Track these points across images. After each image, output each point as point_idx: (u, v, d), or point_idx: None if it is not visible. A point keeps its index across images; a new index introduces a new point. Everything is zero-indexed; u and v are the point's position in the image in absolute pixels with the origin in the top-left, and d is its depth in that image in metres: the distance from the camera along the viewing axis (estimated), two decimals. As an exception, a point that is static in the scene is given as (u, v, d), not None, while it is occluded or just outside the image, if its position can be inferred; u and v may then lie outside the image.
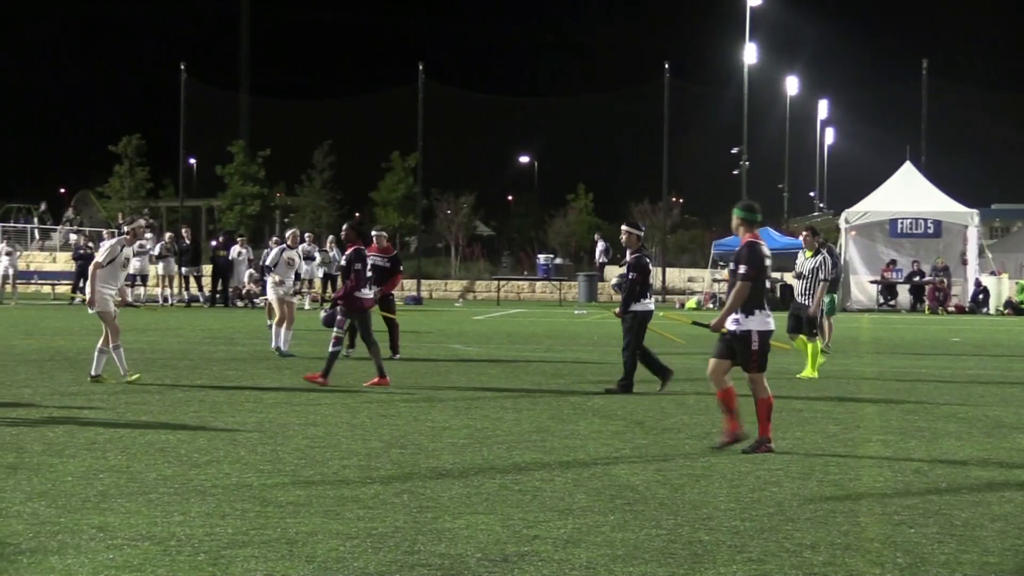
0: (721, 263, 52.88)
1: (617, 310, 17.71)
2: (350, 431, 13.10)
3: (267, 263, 23.61)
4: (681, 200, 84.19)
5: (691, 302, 51.40)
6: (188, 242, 45.74)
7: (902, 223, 49.15)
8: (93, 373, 17.43)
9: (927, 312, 47.21)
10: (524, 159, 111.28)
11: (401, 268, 24.25)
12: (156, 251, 45.07)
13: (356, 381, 18.24)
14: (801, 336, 20.22)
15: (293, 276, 23.39)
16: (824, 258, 20.29)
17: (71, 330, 29.19)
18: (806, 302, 20.27)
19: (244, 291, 44.05)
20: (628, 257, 17.62)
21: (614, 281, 18.18)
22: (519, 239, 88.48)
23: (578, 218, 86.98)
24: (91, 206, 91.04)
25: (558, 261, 60.56)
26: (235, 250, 44.79)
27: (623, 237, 17.88)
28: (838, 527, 8.77)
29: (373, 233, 24.17)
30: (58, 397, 15.74)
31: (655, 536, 8.41)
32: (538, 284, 57.86)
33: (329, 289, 45.17)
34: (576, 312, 44.06)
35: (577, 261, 73.72)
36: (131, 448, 11.80)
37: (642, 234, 18.10)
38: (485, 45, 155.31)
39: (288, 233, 24.79)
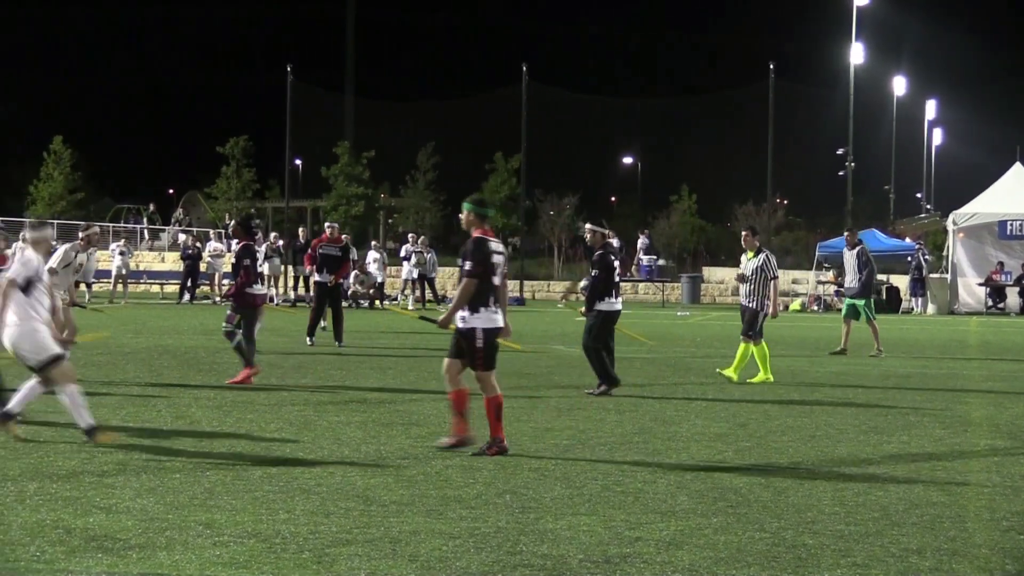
0: (826, 265, 52.45)
1: (583, 309, 17.55)
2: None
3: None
4: (786, 201, 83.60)
5: (795, 304, 51.00)
6: (302, 242, 46.08)
7: (1011, 224, 48.32)
8: None
9: (1037, 315, 46.45)
10: (628, 160, 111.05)
11: (352, 257, 26.09)
12: (262, 251, 45.51)
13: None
14: (763, 341, 19.28)
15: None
16: (767, 257, 19.37)
17: (179, 329, 29.58)
18: (750, 303, 19.28)
19: (349, 292, 44.39)
20: (594, 256, 17.41)
21: (582, 283, 17.86)
22: (622, 240, 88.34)
23: (681, 219, 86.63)
24: (199, 206, 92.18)
25: (661, 262, 60.37)
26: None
27: (587, 236, 17.67)
28: (945, 532, 8.66)
29: (326, 225, 26.76)
30: (166, 395, 15.96)
31: (758, 539, 8.36)
32: (641, 285, 57.71)
33: (427, 291, 45.50)
34: (679, 314, 43.89)
35: (680, 263, 73.44)
36: (236, 446, 11.94)
37: (607, 232, 17.90)
38: (590, 46, 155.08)
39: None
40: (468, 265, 11.79)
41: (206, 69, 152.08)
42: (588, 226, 17.83)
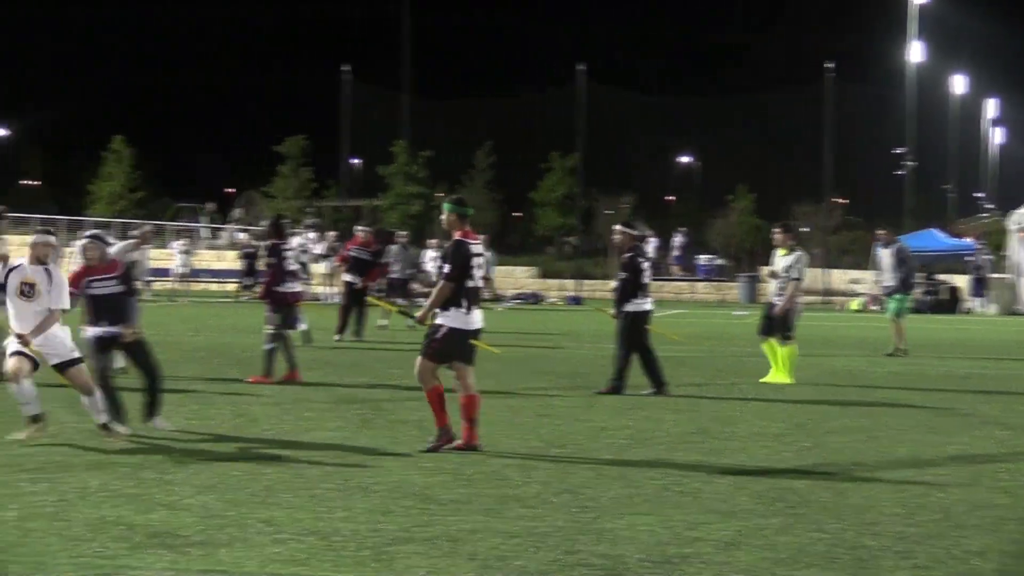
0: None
1: (612, 311, 17.47)
2: (510, 430, 13.16)
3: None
4: (844, 201, 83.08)
5: (854, 304, 50.75)
6: None
7: (1073, 224, 47.82)
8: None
9: (1099, 316, 45.96)
10: (685, 159, 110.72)
11: (382, 260, 26.77)
12: (320, 250, 45.67)
13: (514, 381, 18.32)
14: (771, 340, 18.96)
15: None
16: (799, 256, 18.95)
17: (238, 327, 29.74)
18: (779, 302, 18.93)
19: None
20: (622, 257, 17.35)
21: (614, 284, 17.71)
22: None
23: (739, 219, 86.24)
24: (257, 205, 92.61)
25: (719, 262, 60.20)
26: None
27: (617, 237, 17.61)
28: (1008, 534, 8.59)
29: (358, 229, 27.28)
30: (226, 394, 16.05)
31: (818, 540, 8.31)
32: (698, 285, 57.60)
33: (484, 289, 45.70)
34: (735, 314, 43.73)
35: (738, 262, 73.14)
36: (295, 444, 11.99)
37: (636, 233, 17.80)
38: (646, 45, 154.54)
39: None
40: (447, 268, 11.81)
41: (264, 68, 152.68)
42: (618, 227, 17.81)
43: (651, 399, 16.30)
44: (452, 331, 11.72)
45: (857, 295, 53.78)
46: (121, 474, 10.17)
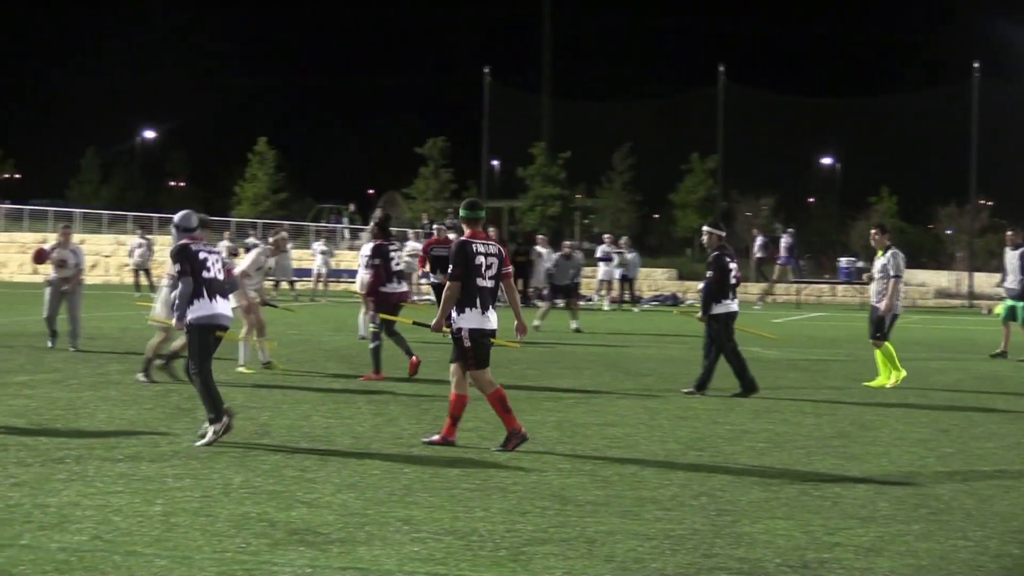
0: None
1: (699, 314, 17.23)
2: (648, 432, 13.13)
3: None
4: (990, 203, 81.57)
5: (999, 308, 49.76)
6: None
7: None
8: (263, 361, 18.95)
9: None
10: (826, 161, 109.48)
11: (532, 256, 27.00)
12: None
13: (652, 383, 18.27)
14: (888, 344, 18.60)
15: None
16: (893, 254, 18.56)
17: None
18: (879, 304, 18.58)
19: (544, 291, 44.50)
20: (709, 258, 17.17)
21: (702, 285, 17.53)
22: (819, 242, 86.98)
23: (881, 221, 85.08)
24: (398, 207, 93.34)
25: (860, 264, 59.35)
26: (536, 251, 45.32)
27: (704, 238, 17.49)
28: None
29: (435, 227, 27.43)
30: (365, 392, 16.21)
31: (961, 548, 8.18)
32: (839, 288, 56.93)
33: (626, 290, 45.62)
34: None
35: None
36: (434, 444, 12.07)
37: (723, 234, 17.55)
38: (787, 45, 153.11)
39: (274, 238, 23.53)
40: (450, 269, 11.89)
41: (405, 70, 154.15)
42: (705, 228, 17.75)
43: (792, 402, 16.15)
44: (472, 332, 11.79)
45: (1002, 299, 52.77)
46: (263, 471, 10.33)
